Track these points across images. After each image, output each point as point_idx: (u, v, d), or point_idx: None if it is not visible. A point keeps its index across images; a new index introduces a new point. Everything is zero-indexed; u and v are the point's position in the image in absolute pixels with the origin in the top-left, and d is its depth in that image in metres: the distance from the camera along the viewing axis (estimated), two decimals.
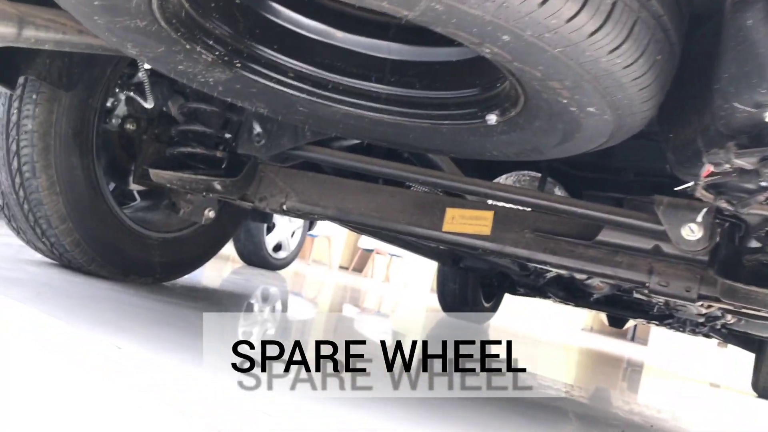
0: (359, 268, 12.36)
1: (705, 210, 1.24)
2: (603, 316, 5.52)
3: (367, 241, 10.77)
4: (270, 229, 4.80)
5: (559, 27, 0.77)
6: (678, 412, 2.86)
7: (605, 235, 1.41)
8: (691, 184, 1.03)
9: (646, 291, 1.41)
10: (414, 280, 11.97)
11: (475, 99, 1.15)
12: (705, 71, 0.93)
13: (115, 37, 1.14)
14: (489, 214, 1.54)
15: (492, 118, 1.11)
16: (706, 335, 4.87)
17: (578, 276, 2.99)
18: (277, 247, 4.95)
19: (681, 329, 4.67)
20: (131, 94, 1.82)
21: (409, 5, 0.79)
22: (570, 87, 0.87)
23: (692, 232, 1.24)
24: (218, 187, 1.66)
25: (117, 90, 1.83)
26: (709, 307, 2.54)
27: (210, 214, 1.93)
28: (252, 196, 1.72)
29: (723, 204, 1.03)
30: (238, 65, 1.21)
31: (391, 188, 1.62)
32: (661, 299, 3.14)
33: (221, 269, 4.19)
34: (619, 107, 0.91)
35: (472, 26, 0.80)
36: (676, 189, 1.58)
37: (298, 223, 5.11)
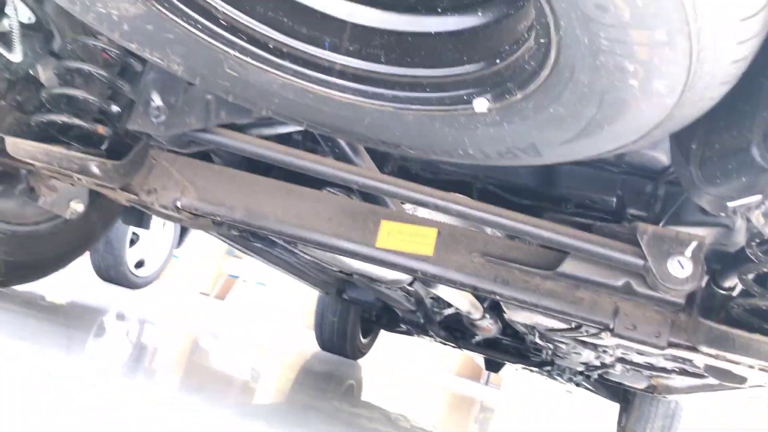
0: (221, 296, 11.70)
1: (695, 243, 1.08)
2: (479, 360, 5.44)
3: (233, 266, 10.21)
4: (133, 242, 4.33)
5: None
6: None
7: (569, 267, 1.22)
8: (741, 202, 0.84)
9: (607, 334, 1.22)
10: (282, 310, 11.51)
11: (461, 79, 0.91)
12: None
13: None
14: (432, 232, 1.31)
15: (482, 104, 0.88)
16: (577, 384, 4.89)
17: (475, 316, 2.82)
18: (140, 264, 4.46)
19: (557, 377, 4.65)
20: None
21: None
22: (658, 42, 0.60)
23: (681, 267, 1.07)
24: (96, 169, 1.31)
25: None
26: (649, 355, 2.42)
27: (77, 206, 1.56)
28: (137, 187, 1.38)
29: None
30: None
31: (316, 192, 1.35)
32: (564, 346, 3.04)
33: (71, 282, 3.65)
34: (695, 85, 0.66)
35: None
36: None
37: (167, 238, 4.65)
